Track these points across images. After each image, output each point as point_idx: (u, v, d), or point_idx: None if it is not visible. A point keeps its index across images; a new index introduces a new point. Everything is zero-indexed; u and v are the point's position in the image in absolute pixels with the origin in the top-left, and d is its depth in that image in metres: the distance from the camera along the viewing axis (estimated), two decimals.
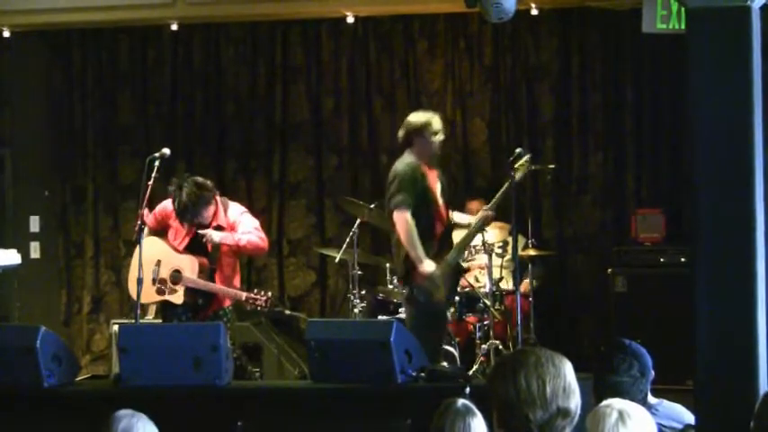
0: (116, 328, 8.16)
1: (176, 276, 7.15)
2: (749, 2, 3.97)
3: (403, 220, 6.74)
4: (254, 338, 8.42)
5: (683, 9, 5.23)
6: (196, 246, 7.19)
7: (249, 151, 9.61)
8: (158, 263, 7.21)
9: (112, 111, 9.83)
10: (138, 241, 6.93)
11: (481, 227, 7.36)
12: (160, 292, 7.20)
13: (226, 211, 7.22)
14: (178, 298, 7.15)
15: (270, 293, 7.18)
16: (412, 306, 6.89)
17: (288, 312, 9.04)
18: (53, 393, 5.97)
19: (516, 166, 7.14)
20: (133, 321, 7.15)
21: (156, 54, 9.78)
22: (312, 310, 9.44)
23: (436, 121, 6.95)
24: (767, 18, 4.20)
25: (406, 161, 6.87)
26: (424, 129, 6.88)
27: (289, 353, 8.39)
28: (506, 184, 7.11)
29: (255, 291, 7.20)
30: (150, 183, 6.94)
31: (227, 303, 7.33)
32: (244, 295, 7.17)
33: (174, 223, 7.27)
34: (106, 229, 9.81)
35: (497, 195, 7.14)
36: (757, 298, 3.95)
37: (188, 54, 9.74)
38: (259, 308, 7.17)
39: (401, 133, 6.97)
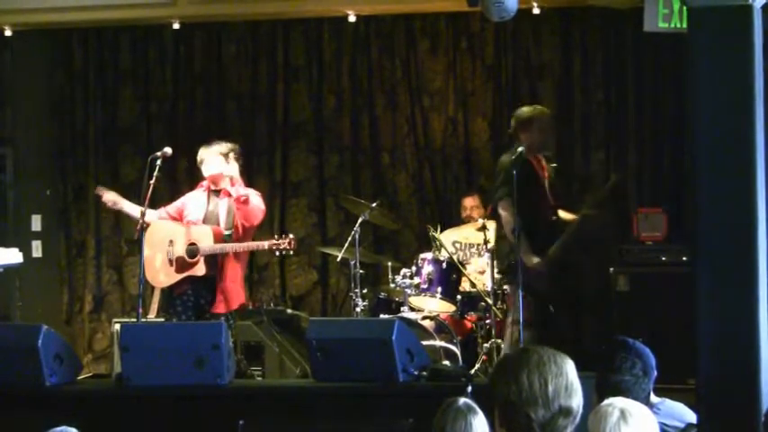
0: (118, 327, 8.18)
1: (192, 250, 7.18)
2: (750, 1, 3.97)
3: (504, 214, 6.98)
4: (255, 337, 8.42)
5: (684, 8, 5.22)
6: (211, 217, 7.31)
7: (251, 150, 9.58)
8: (171, 242, 7.23)
9: (114, 109, 9.82)
10: (140, 240, 6.95)
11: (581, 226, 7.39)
12: (180, 269, 7.22)
13: (242, 186, 7.37)
14: (200, 270, 7.17)
15: (291, 236, 7.22)
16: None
17: (289, 311, 9.04)
18: (55, 392, 5.98)
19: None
20: (135, 320, 7.16)
21: (157, 53, 9.77)
22: (314, 309, 9.43)
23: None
24: None
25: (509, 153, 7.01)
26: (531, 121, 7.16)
27: (290, 352, 8.38)
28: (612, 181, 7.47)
29: (276, 237, 7.23)
30: (152, 182, 6.96)
31: (227, 308, 7.33)
32: (267, 244, 7.19)
33: (189, 203, 7.36)
34: (108, 228, 9.80)
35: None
36: (758, 296, 3.95)
37: (189, 53, 9.74)
38: (284, 252, 7.18)
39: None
